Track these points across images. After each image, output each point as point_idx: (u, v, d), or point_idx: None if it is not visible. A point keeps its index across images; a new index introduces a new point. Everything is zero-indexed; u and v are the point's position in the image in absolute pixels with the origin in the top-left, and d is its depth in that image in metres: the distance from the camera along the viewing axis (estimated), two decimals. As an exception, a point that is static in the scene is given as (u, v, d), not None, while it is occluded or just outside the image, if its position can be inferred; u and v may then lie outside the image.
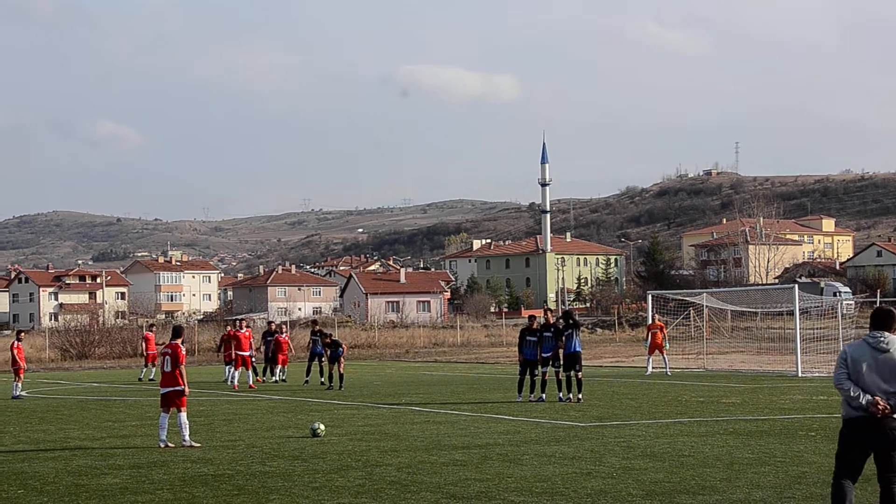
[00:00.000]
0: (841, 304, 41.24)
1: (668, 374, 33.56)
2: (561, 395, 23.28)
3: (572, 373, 23.14)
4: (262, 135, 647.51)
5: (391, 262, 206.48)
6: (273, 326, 35.90)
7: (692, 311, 43.10)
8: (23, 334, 31.12)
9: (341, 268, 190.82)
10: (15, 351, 29.13)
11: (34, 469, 13.65)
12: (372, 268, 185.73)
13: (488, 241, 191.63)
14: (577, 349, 23.35)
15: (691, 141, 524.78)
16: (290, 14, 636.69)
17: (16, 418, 21.78)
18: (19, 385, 29.09)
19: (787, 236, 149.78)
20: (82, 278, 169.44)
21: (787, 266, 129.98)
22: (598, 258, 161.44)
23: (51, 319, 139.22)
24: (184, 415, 15.99)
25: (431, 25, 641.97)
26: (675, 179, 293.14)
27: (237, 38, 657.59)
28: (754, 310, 48.22)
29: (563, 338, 23.19)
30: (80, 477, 12.87)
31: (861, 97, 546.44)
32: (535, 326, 23.73)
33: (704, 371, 35.70)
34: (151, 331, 38.21)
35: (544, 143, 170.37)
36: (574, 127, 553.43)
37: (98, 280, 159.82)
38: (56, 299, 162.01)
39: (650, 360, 34.94)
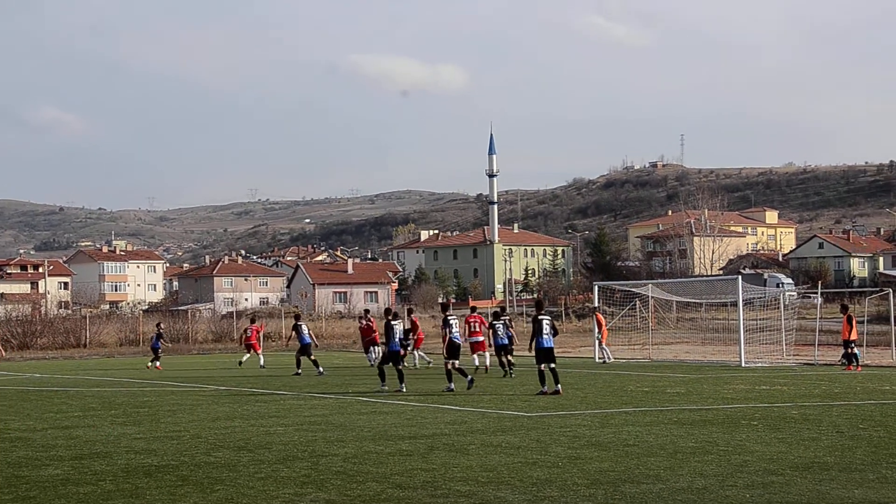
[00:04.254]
0: (784, 295, 41.84)
1: (607, 360, 35.16)
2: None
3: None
4: (209, 124, 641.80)
5: (339, 253, 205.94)
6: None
7: (638, 302, 43.47)
8: None
9: (288, 258, 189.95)
10: None
11: (-27, 461, 13.43)
12: (319, 258, 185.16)
13: (436, 231, 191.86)
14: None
15: (637, 133, 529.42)
16: (236, 0, 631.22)
17: (-45, 409, 21.42)
18: None
19: (732, 228, 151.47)
20: (24, 268, 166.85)
21: (732, 257, 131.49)
22: (545, 249, 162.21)
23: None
24: None
25: (378, 14, 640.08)
26: (622, 171, 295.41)
27: (182, 25, 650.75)
28: (699, 301, 48.75)
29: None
30: (20, 468, 12.68)
31: (804, 92, 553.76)
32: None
33: (650, 361, 36.04)
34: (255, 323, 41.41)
35: (491, 134, 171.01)
36: (521, 118, 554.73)
37: (40, 270, 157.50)
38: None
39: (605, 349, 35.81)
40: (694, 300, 48.53)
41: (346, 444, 14.46)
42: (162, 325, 41.78)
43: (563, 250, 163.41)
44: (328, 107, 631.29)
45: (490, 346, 29.56)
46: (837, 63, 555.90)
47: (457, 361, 23.77)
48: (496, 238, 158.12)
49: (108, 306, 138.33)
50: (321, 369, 31.44)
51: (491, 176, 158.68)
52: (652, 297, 43.68)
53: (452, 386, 23.43)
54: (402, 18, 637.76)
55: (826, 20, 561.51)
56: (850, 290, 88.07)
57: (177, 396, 23.92)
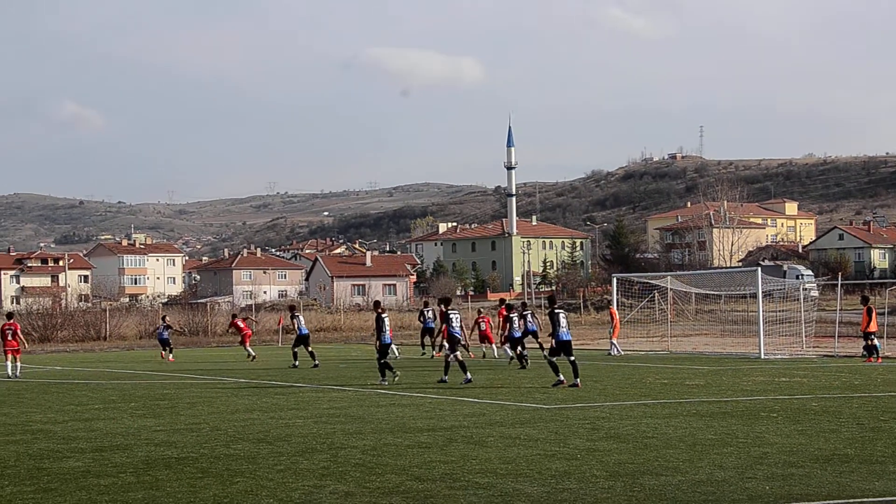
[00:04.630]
0: (803, 286, 41.64)
1: (616, 354, 35.18)
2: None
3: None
4: (228, 118, 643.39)
5: (357, 246, 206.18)
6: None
7: (657, 294, 43.35)
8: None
9: (307, 251, 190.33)
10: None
11: (-5, 453, 13.53)
12: (338, 251, 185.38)
13: (454, 224, 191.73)
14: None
15: (656, 125, 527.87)
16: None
17: (-23, 402, 21.57)
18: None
19: (751, 220, 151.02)
20: (44, 261, 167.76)
21: (751, 249, 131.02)
22: (563, 241, 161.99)
23: (12, 303, 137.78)
24: None
25: (396, 7, 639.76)
26: (641, 163, 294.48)
27: (202, 21, 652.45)
28: (718, 293, 48.59)
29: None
30: (41, 460, 12.77)
31: (824, 83, 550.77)
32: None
33: (668, 354, 35.95)
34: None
35: (510, 127, 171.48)
36: (540, 110, 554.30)
37: (60, 263, 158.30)
38: (18, 282, 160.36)
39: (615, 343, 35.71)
40: (713, 292, 48.37)
41: (365, 437, 14.49)
42: (167, 318, 41.96)
43: (581, 242, 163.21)
44: (347, 100, 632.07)
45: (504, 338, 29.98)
46: (859, 54, 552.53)
47: (459, 354, 23.60)
48: (514, 230, 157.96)
49: (127, 299, 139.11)
50: (317, 361, 31.34)
51: (509, 168, 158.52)
52: (671, 289, 43.55)
53: (446, 378, 23.65)
54: (419, 11, 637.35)
55: (846, 10, 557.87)
56: (870, 281, 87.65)
57: (196, 389, 24.00)
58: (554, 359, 22.13)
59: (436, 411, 17.82)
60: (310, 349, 32.32)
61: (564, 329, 22.19)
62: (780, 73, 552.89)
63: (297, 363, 31.81)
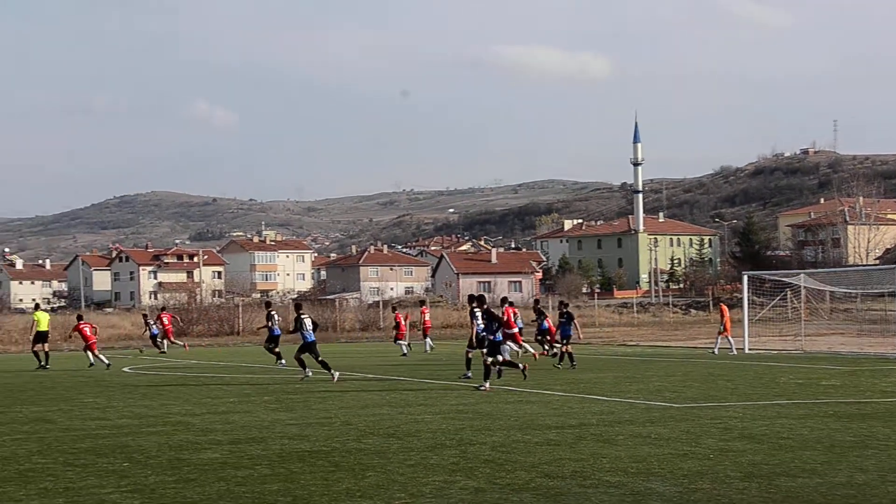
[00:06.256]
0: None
1: (715, 353, 34.97)
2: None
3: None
4: (355, 117, 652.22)
5: (482, 243, 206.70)
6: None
7: (789, 293, 42.34)
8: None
9: (432, 248, 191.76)
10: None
11: (138, 443, 14.00)
12: (463, 248, 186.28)
13: (580, 221, 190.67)
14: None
15: (787, 119, 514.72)
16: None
17: (119, 394, 22.37)
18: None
19: (889, 216, 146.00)
20: (180, 257, 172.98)
21: (889, 247, 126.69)
22: (691, 238, 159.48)
23: (150, 298, 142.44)
24: None
25: (521, 5, 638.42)
26: (771, 158, 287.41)
27: (328, 21, 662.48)
28: (854, 291, 47.14)
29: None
30: (181, 451, 13.16)
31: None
32: None
33: (802, 353, 35.08)
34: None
35: (636, 123, 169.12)
36: (666, 105, 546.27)
37: (195, 259, 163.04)
38: (155, 278, 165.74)
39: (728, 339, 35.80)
40: (849, 290, 46.95)
41: (494, 433, 14.51)
42: (149, 317, 44.48)
43: (709, 239, 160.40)
44: (472, 98, 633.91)
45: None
46: None
47: (491, 358, 22.36)
48: (641, 227, 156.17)
49: (258, 295, 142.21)
50: (283, 361, 30.27)
51: (636, 164, 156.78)
52: (804, 287, 42.44)
53: (469, 374, 23.83)
54: (545, 9, 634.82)
55: None
56: None
57: (326, 384, 24.38)
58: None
59: (564, 409, 17.75)
60: (277, 350, 30.68)
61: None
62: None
63: (283, 361, 30.42)
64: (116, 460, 12.49)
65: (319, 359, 24.66)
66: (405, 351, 37.07)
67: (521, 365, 23.62)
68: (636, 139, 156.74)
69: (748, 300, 38.99)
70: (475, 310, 24.14)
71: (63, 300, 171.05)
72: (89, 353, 32.95)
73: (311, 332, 24.77)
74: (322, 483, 10.77)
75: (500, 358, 22.52)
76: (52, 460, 12.58)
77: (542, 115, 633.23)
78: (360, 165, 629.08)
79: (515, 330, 28.47)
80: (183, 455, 12.82)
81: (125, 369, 31.74)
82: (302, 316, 25.10)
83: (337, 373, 24.60)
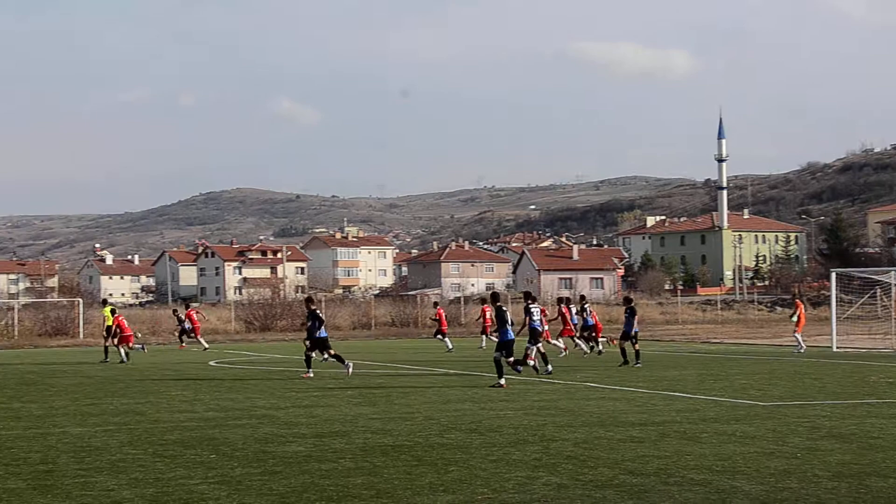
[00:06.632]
0: None
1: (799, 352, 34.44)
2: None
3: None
4: (437, 113, 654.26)
5: (564, 239, 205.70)
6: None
7: (879, 291, 41.42)
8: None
9: (514, 244, 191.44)
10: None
11: (224, 436, 14.23)
12: (544, 244, 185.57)
13: (662, 217, 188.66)
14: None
15: (878, 114, 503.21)
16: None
17: (206, 387, 22.75)
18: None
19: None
20: (264, 253, 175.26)
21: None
22: (777, 235, 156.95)
23: (235, 293, 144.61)
24: None
25: (603, 1, 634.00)
26: (860, 154, 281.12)
27: (411, 18, 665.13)
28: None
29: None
30: (266, 444, 13.34)
31: None
32: None
33: (893, 352, 34.32)
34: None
35: (721, 119, 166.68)
36: (751, 101, 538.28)
37: (279, 255, 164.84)
38: (240, 273, 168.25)
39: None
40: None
41: (576, 429, 14.46)
42: (179, 312, 44.86)
43: (795, 236, 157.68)
44: (553, 94, 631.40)
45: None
46: None
47: (541, 346, 25.21)
48: (725, 224, 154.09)
49: (341, 290, 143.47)
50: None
51: (720, 161, 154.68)
52: (895, 285, 41.46)
53: (520, 368, 23.68)
54: (628, 4, 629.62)
55: None
56: None
57: (407, 379, 24.53)
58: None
59: (647, 405, 17.61)
60: (323, 352, 30.49)
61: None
62: None
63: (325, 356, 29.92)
64: (204, 452, 12.72)
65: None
66: (449, 346, 38.07)
67: (530, 362, 24.38)
68: (721, 135, 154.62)
69: (836, 298, 38.26)
70: (530, 306, 25.43)
71: (151, 295, 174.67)
72: (121, 349, 33.12)
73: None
74: (405, 477, 10.84)
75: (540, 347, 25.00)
76: (142, 451, 12.86)
77: (624, 110, 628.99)
78: (442, 162, 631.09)
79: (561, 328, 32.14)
80: (268, 448, 13.00)
81: (211, 363, 32.30)
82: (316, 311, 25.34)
83: (312, 373, 25.32)
